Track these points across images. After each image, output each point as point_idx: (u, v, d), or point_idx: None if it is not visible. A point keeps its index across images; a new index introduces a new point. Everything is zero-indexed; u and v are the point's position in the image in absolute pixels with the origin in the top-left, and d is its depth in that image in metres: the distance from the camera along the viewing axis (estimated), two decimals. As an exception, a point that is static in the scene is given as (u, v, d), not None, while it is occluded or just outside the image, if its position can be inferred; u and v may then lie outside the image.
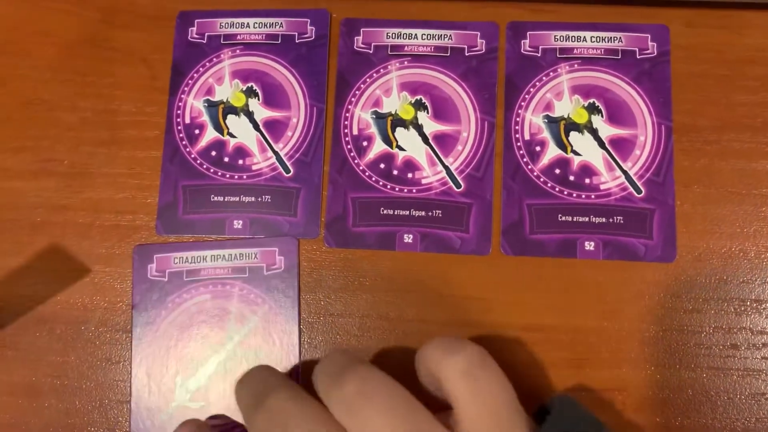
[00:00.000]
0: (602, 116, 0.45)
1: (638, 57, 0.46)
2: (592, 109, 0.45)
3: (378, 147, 0.46)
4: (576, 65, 0.46)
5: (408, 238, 0.44)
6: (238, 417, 0.42)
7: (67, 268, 0.45)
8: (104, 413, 0.43)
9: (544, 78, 0.46)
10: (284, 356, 0.43)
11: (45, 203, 0.46)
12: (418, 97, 0.46)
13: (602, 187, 0.44)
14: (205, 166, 0.46)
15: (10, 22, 0.49)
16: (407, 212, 0.45)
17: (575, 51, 0.46)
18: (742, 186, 0.44)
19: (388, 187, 0.45)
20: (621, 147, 0.45)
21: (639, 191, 0.44)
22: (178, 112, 0.47)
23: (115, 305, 0.45)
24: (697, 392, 0.42)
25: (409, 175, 0.45)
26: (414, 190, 0.45)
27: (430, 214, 0.45)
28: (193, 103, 0.47)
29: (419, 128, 0.46)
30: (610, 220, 0.44)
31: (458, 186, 0.45)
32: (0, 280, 0.45)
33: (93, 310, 0.45)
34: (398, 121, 0.46)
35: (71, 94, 0.48)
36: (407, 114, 0.46)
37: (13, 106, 0.48)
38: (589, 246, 0.43)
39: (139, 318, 0.44)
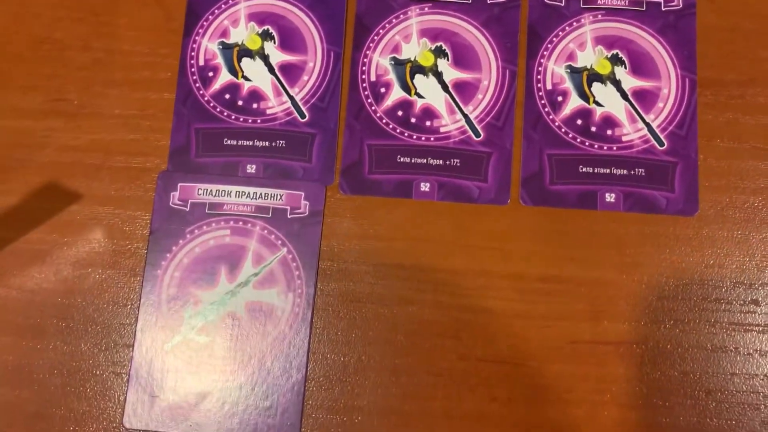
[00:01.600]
0: (626, 68, 0.44)
1: (663, 9, 0.45)
2: (615, 60, 0.44)
3: (396, 94, 0.45)
4: (600, 16, 0.45)
5: (425, 187, 0.43)
6: (244, 359, 0.41)
7: (76, 210, 0.44)
8: (110, 356, 0.43)
9: (567, 28, 0.45)
10: (297, 299, 0.42)
11: (54, 143, 0.45)
12: (439, 44, 0.45)
13: (624, 138, 0.43)
14: (218, 110, 0.45)
15: (22, -42, 0.48)
16: (425, 160, 0.44)
17: (599, 1, 0.45)
18: (766, 141, 0.43)
19: (406, 134, 0.44)
20: (644, 99, 0.44)
21: (661, 144, 0.43)
22: (192, 54, 0.46)
23: (124, 248, 0.44)
24: (716, 347, 0.41)
25: (428, 123, 0.44)
26: (432, 138, 0.44)
27: (448, 162, 0.44)
28: (208, 46, 0.46)
29: (439, 76, 0.45)
30: (632, 172, 0.43)
31: (477, 135, 0.44)
32: (6, 220, 0.44)
33: (101, 253, 0.44)
34: (417, 68, 0.45)
35: (84, 33, 0.47)
36: (427, 61, 0.45)
37: (25, 45, 0.47)
38: (610, 198, 0.43)
39: (155, 245, 0.43)
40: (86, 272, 0.43)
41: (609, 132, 0.44)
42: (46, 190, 0.45)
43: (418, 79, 0.45)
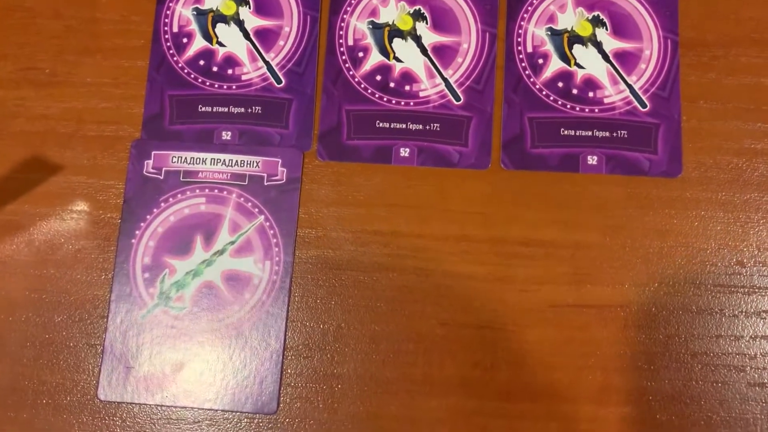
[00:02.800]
0: (607, 29, 0.44)
1: (645, -30, 0.44)
2: (596, 22, 0.44)
3: (374, 58, 0.44)
4: (580, -23, 0.44)
5: (404, 152, 0.43)
6: (221, 328, 0.41)
7: (48, 180, 0.43)
8: (84, 328, 0.42)
9: (547, -10, 0.44)
10: (274, 267, 0.41)
11: (25, 113, 0.44)
12: (417, 7, 0.44)
13: (606, 100, 0.43)
14: (192, 76, 0.44)
15: (-9, -76, 0.47)
16: (404, 125, 0.43)
17: (580, -37, 0.44)
18: (750, 101, 0.43)
19: (385, 99, 0.43)
20: (626, 61, 0.43)
21: (644, 105, 0.43)
22: (166, 20, 0.45)
23: (98, 217, 0.43)
24: (701, 309, 0.40)
25: (407, 88, 0.43)
26: (411, 103, 0.43)
27: (427, 127, 0.43)
28: (182, 12, 0.45)
29: (418, 39, 0.44)
30: (614, 134, 0.42)
31: (458, 99, 0.43)
32: (-24, 191, 0.43)
33: (74, 223, 0.43)
34: (396, 32, 0.44)
35: (54, 1, 0.46)
36: (405, 24, 0.44)
37: (-7, 13, 0.46)
38: (592, 160, 0.42)
39: (129, 214, 0.42)
40: (59, 243, 0.42)
41: (591, 94, 0.43)
42: (18, 160, 0.44)
43: (397, 43, 0.44)
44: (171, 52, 0.44)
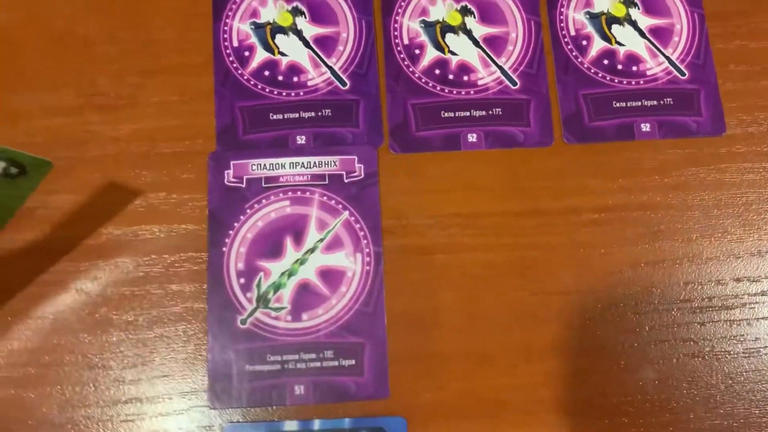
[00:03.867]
0: (639, 9, 0.47)
1: (665, -48, 0.48)
2: (628, 3, 0.47)
3: (431, 54, 0.46)
4: (609, -37, 0.48)
5: (472, 138, 0.45)
6: (321, 322, 0.42)
7: (128, 200, 0.44)
8: (186, 340, 0.42)
9: (581, -23, 0.48)
10: (366, 258, 0.43)
11: (94, 138, 0.45)
12: (464, 4, 0.47)
13: (649, 73, 0.46)
14: (259, 87, 0.46)
15: (39, -43, 0.47)
16: (468, 113, 0.45)
17: (606, -50, 0.48)
18: (775, 62, 0.47)
19: (446, 90, 0.46)
20: (660, 35, 0.47)
21: (683, 74, 0.46)
22: (225, 36, 0.46)
23: (185, 230, 0.44)
24: (762, 252, 0.44)
25: (465, 78, 0.46)
26: (472, 92, 0.46)
27: (490, 112, 0.45)
28: (239, 26, 0.46)
29: (468, 33, 0.47)
30: (661, 102, 0.46)
31: (514, 84, 0.46)
32: (59, 220, 0.43)
33: (161, 239, 0.43)
34: (447, 28, 0.47)
35: (108, 26, 0.47)
36: (455, 20, 0.47)
37: (47, 42, 0.46)
38: (645, 127, 0.45)
39: (215, 224, 0.43)
40: (149, 260, 0.43)
41: (634, 68, 0.46)
42: (96, 185, 0.44)
43: (449, 37, 0.47)
44: (235, 65, 0.46)
